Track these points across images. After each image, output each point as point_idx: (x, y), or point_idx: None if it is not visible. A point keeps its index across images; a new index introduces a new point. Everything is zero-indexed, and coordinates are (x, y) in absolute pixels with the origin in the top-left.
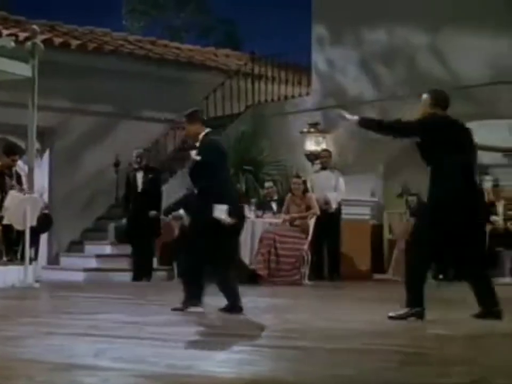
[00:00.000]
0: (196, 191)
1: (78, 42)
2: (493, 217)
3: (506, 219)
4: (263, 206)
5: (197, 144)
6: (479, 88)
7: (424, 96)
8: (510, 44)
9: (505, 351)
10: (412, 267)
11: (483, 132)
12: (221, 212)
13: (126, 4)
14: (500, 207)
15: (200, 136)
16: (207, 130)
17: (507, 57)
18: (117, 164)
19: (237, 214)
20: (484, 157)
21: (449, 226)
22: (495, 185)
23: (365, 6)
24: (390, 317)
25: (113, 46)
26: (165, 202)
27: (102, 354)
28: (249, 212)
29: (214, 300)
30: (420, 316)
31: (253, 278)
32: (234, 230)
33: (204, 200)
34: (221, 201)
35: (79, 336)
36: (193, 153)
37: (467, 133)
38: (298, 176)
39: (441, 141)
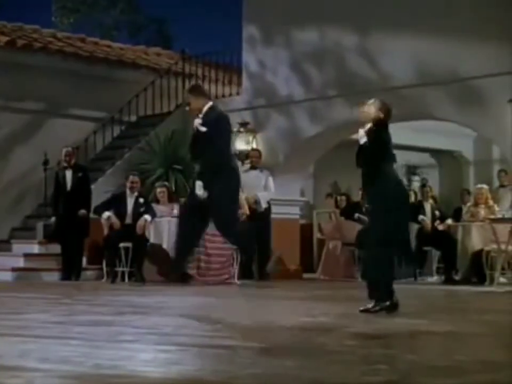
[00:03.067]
0: (200, 164)
1: (7, 38)
2: (421, 217)
3: (433, 219)
4: None
5: (200, 116)
6: (407, 89)
7: (374, 100)
8: (437, 46)
9: (427, 348)
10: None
11: (408, 132)
12: (199, 187)
13: (56, 1)
14: (428, 207)
15: (205, 109)
16: (211, 103)
17: (434, 58)
18: (45, 162)
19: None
20: (412, 157)
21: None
22: (423, 185)
23: (296, 7)
24: (361, 311)
25: (42, 43)
26: (95, 202)
27: (28, 355)
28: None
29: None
30: (391, 308)
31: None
32: None
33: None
34: (234, 175)
35: (5, 336)
36: (197, 121)
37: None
38: None
39: (387, 148)
